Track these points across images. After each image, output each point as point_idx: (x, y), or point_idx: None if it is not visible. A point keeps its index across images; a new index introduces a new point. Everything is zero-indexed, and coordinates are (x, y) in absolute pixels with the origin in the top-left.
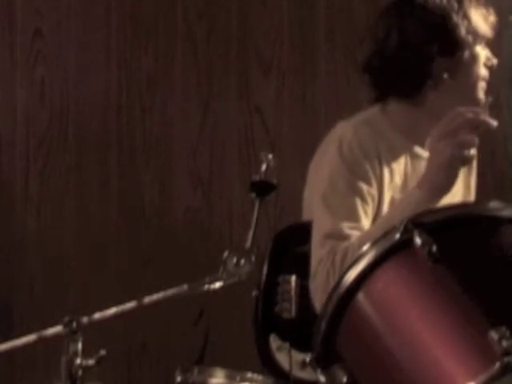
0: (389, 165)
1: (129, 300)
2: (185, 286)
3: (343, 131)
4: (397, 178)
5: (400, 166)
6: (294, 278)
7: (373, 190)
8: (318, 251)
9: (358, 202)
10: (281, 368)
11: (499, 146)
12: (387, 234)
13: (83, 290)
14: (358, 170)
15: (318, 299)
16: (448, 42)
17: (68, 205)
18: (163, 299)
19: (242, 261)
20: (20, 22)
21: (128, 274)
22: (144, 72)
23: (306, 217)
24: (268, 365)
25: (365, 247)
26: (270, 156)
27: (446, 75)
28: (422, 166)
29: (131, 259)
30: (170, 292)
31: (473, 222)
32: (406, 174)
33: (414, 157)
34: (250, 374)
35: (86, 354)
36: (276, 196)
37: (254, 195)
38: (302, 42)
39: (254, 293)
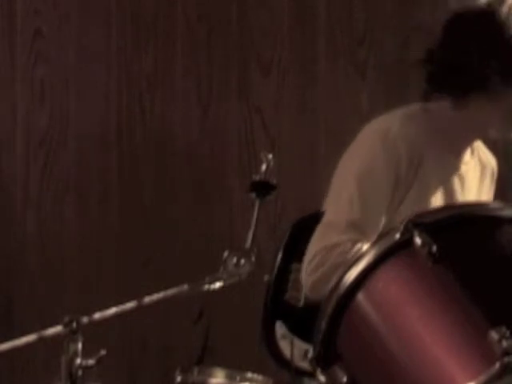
0: (425, 166)
1: (129, 300)
2: (185, 286)
3: (388, 123)
4: (430, 181)
5: (432, 170)
6: None
7: (401, 189)
8: (335, 235)
9: (384, 199)
10: (283, 356)
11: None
12: (387, 233)
13: (83, 290)
14: (396, 167)
15: (310, 281)
16: (508, 62)
17: (68, 205)
18: (163, 299)
19: (242, 261)
20: (20, 22)
21: (128, 274)
22: (144, 72)
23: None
24: (271, 351)
25: (365, 247)
26: (270, 156)
27: (492, 93)
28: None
29: (131, 259)
30: (170, 292)
31: (473, 221)
32: (435, 180)
33: (446, 165)
34: (250, 374)
35: (85, 354)
36: (276, 196)
37: (254, 195)
38: (302, 41)
39: (266, 278)
